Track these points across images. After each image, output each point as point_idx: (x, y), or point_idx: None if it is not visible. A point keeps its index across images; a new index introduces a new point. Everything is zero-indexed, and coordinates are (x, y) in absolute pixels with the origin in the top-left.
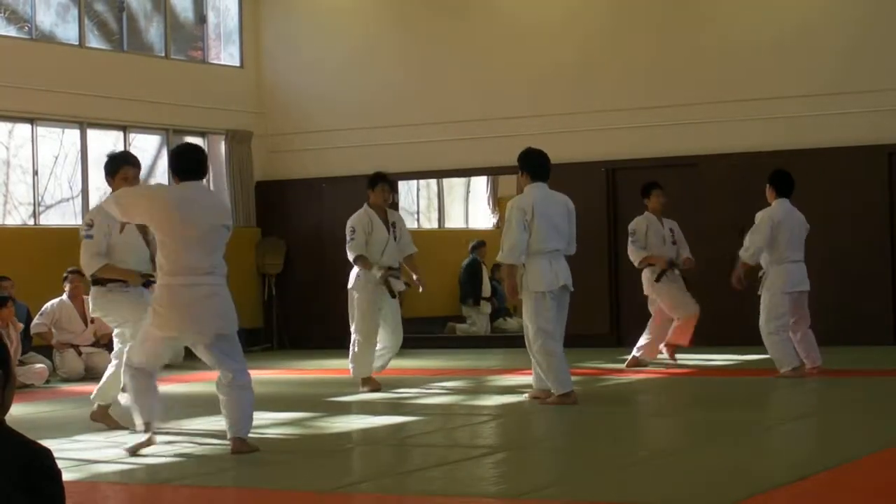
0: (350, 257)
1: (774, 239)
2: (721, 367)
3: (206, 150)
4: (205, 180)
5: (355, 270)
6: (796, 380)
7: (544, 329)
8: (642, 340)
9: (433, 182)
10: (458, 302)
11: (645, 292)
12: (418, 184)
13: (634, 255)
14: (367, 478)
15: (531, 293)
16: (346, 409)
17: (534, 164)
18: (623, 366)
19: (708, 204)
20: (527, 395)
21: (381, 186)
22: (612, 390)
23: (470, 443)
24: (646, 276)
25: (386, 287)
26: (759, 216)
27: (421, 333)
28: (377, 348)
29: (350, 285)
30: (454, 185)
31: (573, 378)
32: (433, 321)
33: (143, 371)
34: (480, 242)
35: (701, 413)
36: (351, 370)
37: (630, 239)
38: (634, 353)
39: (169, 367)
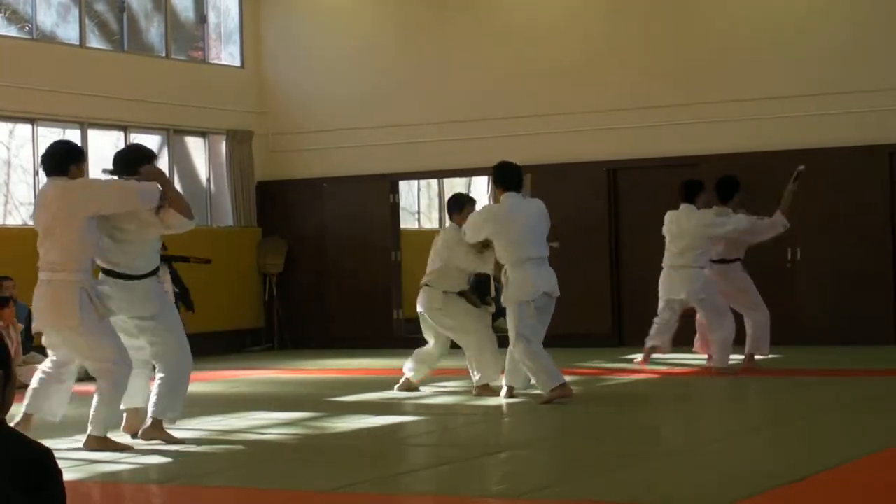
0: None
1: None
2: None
3: (67, 145)
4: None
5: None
6: (806, 378)
7: (524, 335)
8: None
9: (433, 182)
10: None
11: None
12: (419, 184)
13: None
14: (367, 478)
15: (513, 302)
16: (346, 409)
17: (506, 177)
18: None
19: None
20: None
21: (469, 208)
22: (612, 390)
23: (470, 443)
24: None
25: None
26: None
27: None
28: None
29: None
30: (454, 185)
31: (573, 378)
32: None
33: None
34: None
35: (701, 413)
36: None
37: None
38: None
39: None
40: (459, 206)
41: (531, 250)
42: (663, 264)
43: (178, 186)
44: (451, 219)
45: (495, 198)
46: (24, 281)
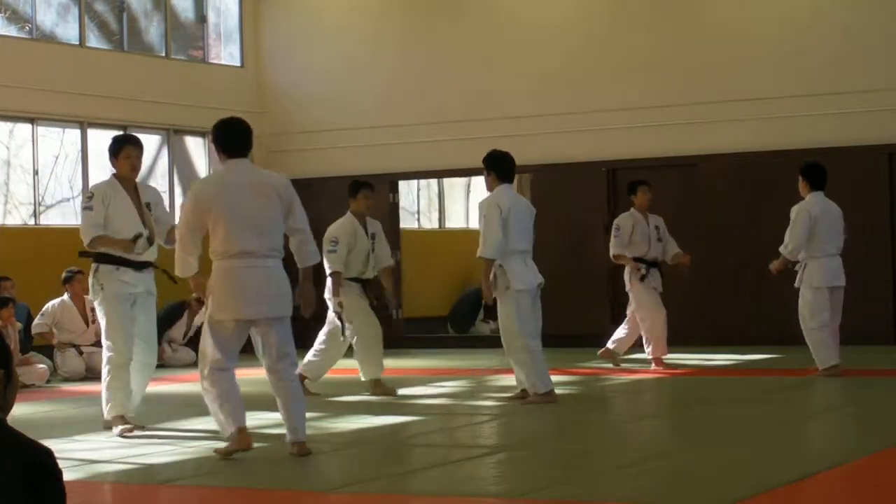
0: (328, 270)
1: (811, 233)
2: (721, 367)
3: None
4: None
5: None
6: (806, 378)
7: (526, 327)
8: (617, 334)
9: (433, 182)
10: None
11: (627, 289)
12: (418, 184)
13: (614, 250)
14: (368, 478)
15: (512, 292)
16: (346, 409)
17: (502, 166)
18: (650, 364)
19: (708, 204)
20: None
21: (364, 193)
22: (611, 390)
23: (470, 443)
24: (627, 274)
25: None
26: (794, 210)
27: (421, 333)
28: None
29: (329, 294)
30: (454, 184)
31: (572, 378)
32: (433, 321)
33: (223, 368)
34: None
35: (701, 413)
36: (362, 374)
37: (613, 234)
38: (609, 344)
39: (162, 366)
40: (353, 194)
41: (525, 243)
42: (823, 254)
43: (177, 186)
44: None
45: (489, 186)
46: (23, 280)
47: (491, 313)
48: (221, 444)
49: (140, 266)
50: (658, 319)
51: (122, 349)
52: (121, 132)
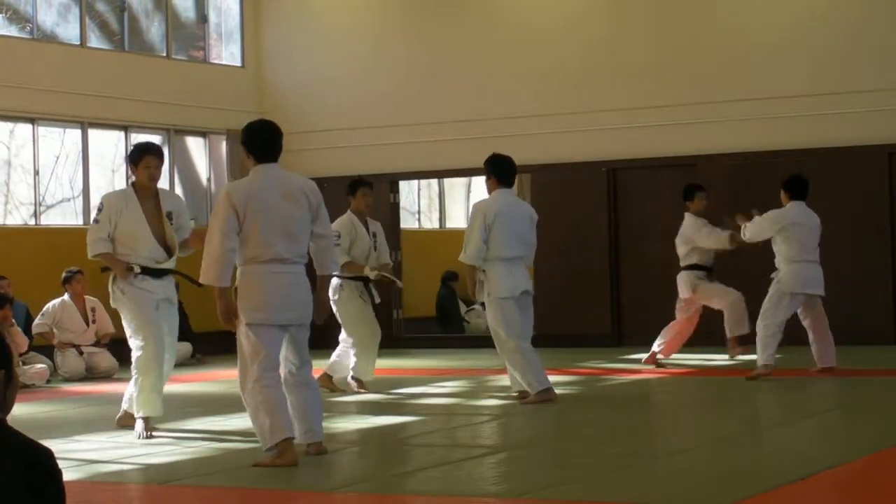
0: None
1: (790, 239)
2: (721, 367)
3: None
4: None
5: (336, 281)
6: (806, 378)
7: (513, 330)
8: (660, 339)
9: (434, 182)
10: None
11: (682, 296)
12: (419, 184)
13: (717, 241)
14: (368, 478)
15: (495, 298)
16: (346, 409)
17: (502, 170)
18: (641, 364)
19: (708, 204)
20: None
21: (363, 191)
22: (612, 390)
23: (470, 443)
24: (685, 280)
25: (369, 293)
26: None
27: (420, 333)
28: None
29: (333, 297)
30: (455, 184)
31: (572, 378)
32: (433, 321)
33: (273, 368)
34: (453, 275)
35: (701, 413)
36: (351, 374)
37: (705, 230)
38: (654, 348)
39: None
40: (352, 192)
41: (514, 250)
42: (800, 261)
43: (178, 186)
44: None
45: (489, 189)
46: (23, 281)
47: (471, 303)
48: (220, 446)
49: (159, 273)
50: (736, 300)
51: (153, 343)
52: (121, 132)
